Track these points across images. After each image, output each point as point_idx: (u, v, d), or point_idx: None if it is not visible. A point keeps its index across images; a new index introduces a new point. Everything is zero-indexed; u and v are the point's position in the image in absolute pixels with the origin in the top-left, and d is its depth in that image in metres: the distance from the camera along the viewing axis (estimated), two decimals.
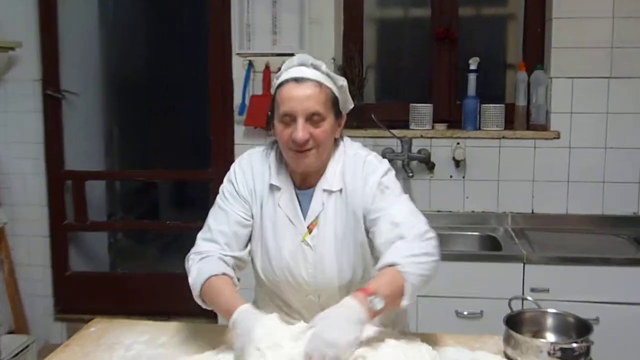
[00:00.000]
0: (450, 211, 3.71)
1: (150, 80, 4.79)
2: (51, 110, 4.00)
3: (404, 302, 1.75)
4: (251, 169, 2.02)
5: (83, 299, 4.04)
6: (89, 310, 2.41)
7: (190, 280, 1.92)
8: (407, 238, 1.82)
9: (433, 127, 3.73)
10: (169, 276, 4.08)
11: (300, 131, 1.84)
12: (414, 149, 3.62)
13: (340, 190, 1.96)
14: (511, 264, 3.14)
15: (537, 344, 1.85)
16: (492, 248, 3.46)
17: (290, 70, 1.92)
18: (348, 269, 1.97)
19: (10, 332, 3.88)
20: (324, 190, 1.97)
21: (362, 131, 3.66)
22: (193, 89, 4.40)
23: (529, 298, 2.19)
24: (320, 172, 1.98)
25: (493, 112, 3.68)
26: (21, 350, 3.67)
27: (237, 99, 3.75)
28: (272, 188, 1.99)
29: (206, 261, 1.92)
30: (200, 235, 2.02)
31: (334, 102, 1.93)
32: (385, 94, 4.11)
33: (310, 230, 1.97)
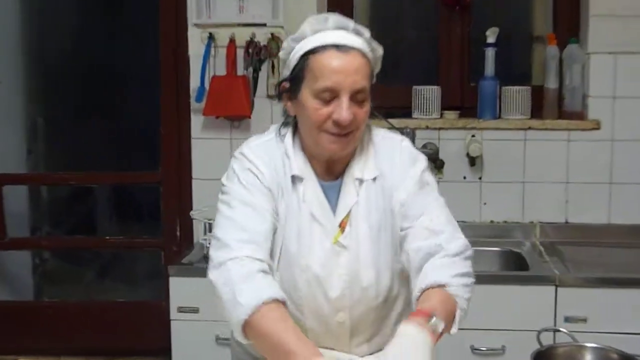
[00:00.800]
0: (464, 221, 3.61)
1: (85, 63, 4.72)
2: None
3: (453, 330, 1.82)
4: (270, 156, 2.01)
5: (2, 335, 4.01)
6: (10, 349, 2.38)
7: (228, 306, 1.81)
8: (448, 252, 1.89)
9: (442, 116, 3.75)
10: (110, 305, 4.06)
11: (346, 111, 1.86)
12: (418, 143, 3.60)
13: (374, 179, 2.00)
14: (540, 286, 3.15)
15: None
16: (516, 267, 3.48)
17: (327, 34, 1.92)
18: (387, 275, 2.00)
19: None
20: (356, 179, 1.99)
21: None
22: (139, 71, 4.35)
23: (562, 330, 2.20)
24: (347, 158, 2.00)
25: (517, 96, 3.70)
26: None
27: (194, 82, 3.75)
28: (295, 180, 1.99)
29: (257, 275, 1.83)
30: (228, 235, 1.91)
31: (372, 76, 1.98)
32: (382, 75, 4.10)
33: (342, 229, 1.98)
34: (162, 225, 3.92)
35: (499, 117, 3.71)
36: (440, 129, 3.70)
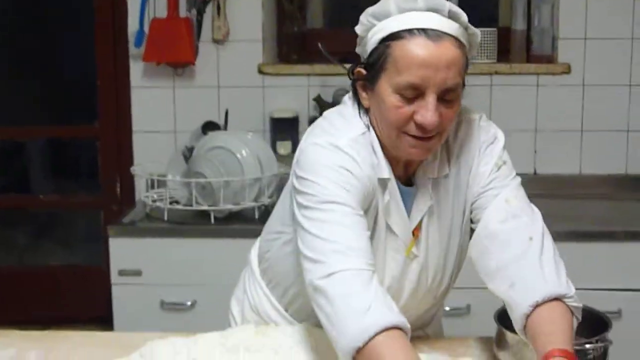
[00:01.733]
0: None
1: (14, 10, 4.66)
2: None
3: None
4: (362, 154, 1.82)
5: None
6: None
7: (336, 329, 1.64)
8: (532, 244, 1.81)
9: None
10: (45, 270, 4.04)
11: (432, 112, 1.71)
12: None
13: (446, 175, 1.92)
14: None
15: None
16: None
17: (416, 15, 1.74)
18: (449, 275, 2.00)
19: None
20: (429, 179, 1.90)
21: (305, 67, 3.64)
22: (71, 14, 4.29)
23: None
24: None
25: (482, 39, 3.67)
26: None
27: (132, 25, 3.70)
28: (381, 184, 1.85)
29: (375, 293, 1.65)
30: (333, 244, 1.71)
31: (466, 69, 1.81)
32: (336, 17, 4.08)
33: (415, 237, 1.91)
34: (100, 183, 3.89)
35: None
36: None
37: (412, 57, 1.70)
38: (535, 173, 3.74)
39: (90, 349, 2.07)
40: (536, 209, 1.92)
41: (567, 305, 1.73)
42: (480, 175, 1.90)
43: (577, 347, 1.87)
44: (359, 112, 1.88)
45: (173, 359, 1.75)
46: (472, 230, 1.93)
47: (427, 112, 1.70)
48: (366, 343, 1.57)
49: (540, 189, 3.68)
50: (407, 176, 1.91)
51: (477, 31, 1.81)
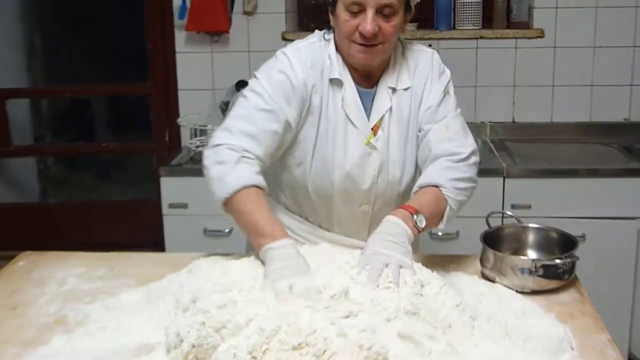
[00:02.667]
0: None
1: None
2: None
3: (441, 226, 1.90)
4: (312, 59, 1.95)
5: (11, 233, 4.00)
6: (19, 246, 2.38)
7: (216, 183, 1.84)
8: (453, 158, 1.92)
9: None
10: (109, 205, 4.06)
11: (370, 23, 1.82)
12: None
13: (406, 89, 1.98)
14: (490, 178, 3.16)
15: (517, 261, 1.89)
16: None
17: None
18: (410, 171, 2.03)
19: None
20: (389, 87, 1.97)
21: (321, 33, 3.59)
22: None
23: (508, 212, 2.22)
24: (382, 68, 1.97)
25: (469, 8, 3.65)
26: None
27: (176, 0, 3.65)
28: (333, 83, 1.95)
29: (242, 165, 1.84)
30: (236, 124, 1.90)
31: None
32: None
33: (374, 132, 1.97)
34: (152, 132, 3.90)
35: (453, 28, 3.67)
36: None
37: None
38: (513, 121, 3.71)
39: (146, 267, 2.08)
40: (470, 137, 2.00)
41: (442, 193, 1.87)
42: (432, 96, 1.98)
43: (549, 263, 1.88)
44: (323, 34, 2.00)
45: (212, 273, 1.76)
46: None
47: (366, 23, 1.82)
48: (230, 196, 1.80)
49: (517, 134, 3.68)
50: (370, 83, 1.98)
51: None
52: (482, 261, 1.96)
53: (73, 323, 1.79)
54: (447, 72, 2.05)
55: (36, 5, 4.63)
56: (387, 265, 1.62)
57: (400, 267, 1.64)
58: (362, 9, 1.83)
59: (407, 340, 1.49)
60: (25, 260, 2.21)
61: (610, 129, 3.67)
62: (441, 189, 1.87)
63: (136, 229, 3.78)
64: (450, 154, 1.92)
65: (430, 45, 3.56)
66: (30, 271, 2.11)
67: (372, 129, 1.97)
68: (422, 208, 1.81)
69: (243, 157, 1.84)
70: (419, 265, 1.77)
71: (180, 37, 3.71)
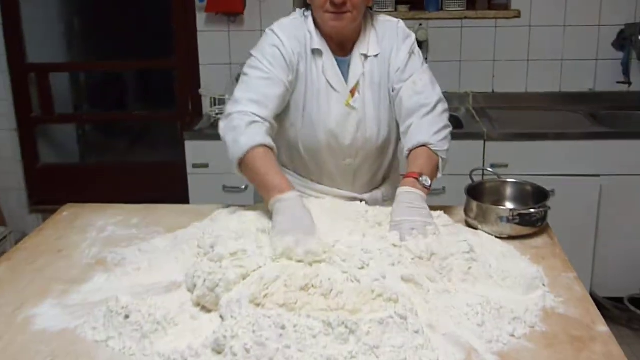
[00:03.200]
0: None
1: None
2: (7, 4, 3.82)
3: (439, 175, 1.91)
4: (294, 33, 1.96)
5: (56, 190, 4.01)
6: (62, 201, 2.38)
7: (230, 147, 1.83)
8: (423, 110, 1.92)
9: (396, 9, 3.66)
10: (140, 166, 4.06)
11: None
12: None
13: (377, 55, 1.98)
14: (472, 141, 3.17)
15: (496, 211, 1.89)
16: (454, 127, 3.46)
17: None
18: (385, 128, 2.03)
19: None
20: (362, 55, 1.97)
21: None
22: None
23: (489, 169, 2.22)
24: (354, 38, 1.97)
25: None
26: None
27: None
28: (314, 53, 1.96)
29: (252, 127, 1.83)
30: (242, 95, 1.90)
31: None
32: None
33: (352, 94, 1.97)
34: (177, 101, 3.87)
35: (442, 9, 3.63)
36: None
37: None
38: (493, 91, 3.69)
39: (174, 216, 2.09)
40: (437, 87, 2.00)
41: (432, 150, 1.88)
42: (399, 58, 1.97)
43: (524, 212, 1.88)
44: (303, 11, 1.99)
45: (231, 221, 1.77)
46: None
47: None
48: (244, 155, 1.78)
49: (497, 102, 3.67)
50: (345, 52, 1.98)
51: None
52: (466, 211, 1.96)
53: (112, 264, 1.80)
54: (412, 36, 2.03)
55: None
56: (413, 229, 1.66)
57: (426, 227, 1.68)
58: None
59: (409, 282, 1.53)
60: (68, 211, 2.22)
61: (577, 98, 3.65)
62: (428, 146, 1.88)
63: (164, 186, 3.78)
64: (420, 105, 1.93)
65: (420, 25, 3.57)
66: (73, 220, 2.12)
67: (350, 91, 1.97)
68: (423, 169, 1.83)
69: (253, 121, 1.84)
70: (446, 217, 1.85)
71: (201, 18, 3.68)
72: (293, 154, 2.06)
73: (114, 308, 1.50)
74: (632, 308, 3.18)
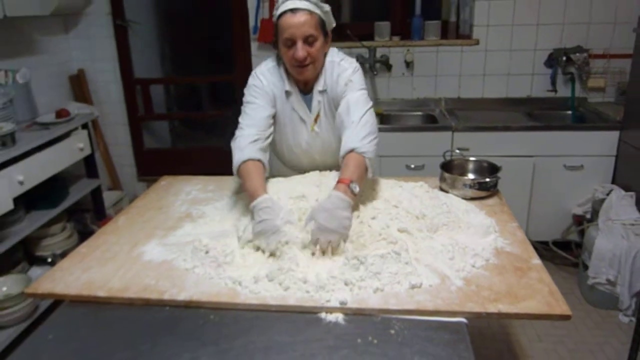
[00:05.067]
0: (402, 98, 3.63)
1: (190, 11, 4.55)
2: (120, 36, 3.82)
3: (369, 175, 1.70)
4: (271, 78, 1.85)
5: (155, 166, 4.05)
6: (160, 173, 2.42)
7: (233, 159, 1.75)
8: (354, 122, 1.72)
9: (391, 39, 3.60)
10: (211, 149, 4.08)
11: (300, 51, 1.69)
12: (378, 55, 3.50)
13: (326, 90, 1.85)
14: (444, 132, 3.13)
15: (462, 180, 1.88)
16: (431, 122, 3.44)
17: (287, 2, 1.71)
18: (338, 140, 1.92)
19: (109, 190, 3.92)
20: (319, 91, 1.85)
21: (340, 43, 3.50)
22: (220, 15, 4.18)
23: (457, 151, 2.20)
24: (315, 79, 1.85)
25: (433, 26, 3.54)
26: (117, 202, 3.71)
27: (251, 22, 3.58)
28: (287, 94, 1.84)
29: (249, 146, 1.73)
30: (243, 122, 1.81)
31: (322, 25, 1.75)
32: (356, 15, 3.93)
33: (315, 121, 1.88)
34: (237, 105, 3.82)
35: (423, 38, 3.56)
36: (390, 46, 3.55)
37: (285, 24, 1.69)
38: (459, 97, 3.62)
39: (237, 184, 2.10)
40: (367, 104, 1.76)
41: (358, 153, 1.66)
42: (339, 88, 1.80)
43: (482, 180, 1.86)
44: (277, 59, 1.86)
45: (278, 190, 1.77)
46: None
47: (298, 51, 1.70)
48: (240, 165, 1.70)
49: (462, 106, 3.61)
50: (308, 89, 1.85)
51: (324, 5, 1.75)
52: (440, 180, 1.95)
53: (196, 217, 1.82)
54: (349, 68, 1.82)
55: (167, 25, 4.56)
56: (330, 242, 1.46)
57: (343, 240, 1.48)
58: (294, 42, 1.70)
59: (403, 232, 1.55)
60: (165, 181, 2.24)
61: (519, 102, 3.57)
62: (356, 150, 1.66)
63: (229, 164, 3.77)
64: (350, 121, 1.72)
65: (408, 50, 3.51)
66: (168, 187, 2.14)
67: (314, 119, 1.87)
68: (353, 175, 1.60)
69: (252, 140, 1.74)
70: (426, 185, 1.84)
71: (254, 45, 3.64)
72: (284, 156, 2.02)
73: (198, 246, 1.52)
74: (554, 249, 3.15)
